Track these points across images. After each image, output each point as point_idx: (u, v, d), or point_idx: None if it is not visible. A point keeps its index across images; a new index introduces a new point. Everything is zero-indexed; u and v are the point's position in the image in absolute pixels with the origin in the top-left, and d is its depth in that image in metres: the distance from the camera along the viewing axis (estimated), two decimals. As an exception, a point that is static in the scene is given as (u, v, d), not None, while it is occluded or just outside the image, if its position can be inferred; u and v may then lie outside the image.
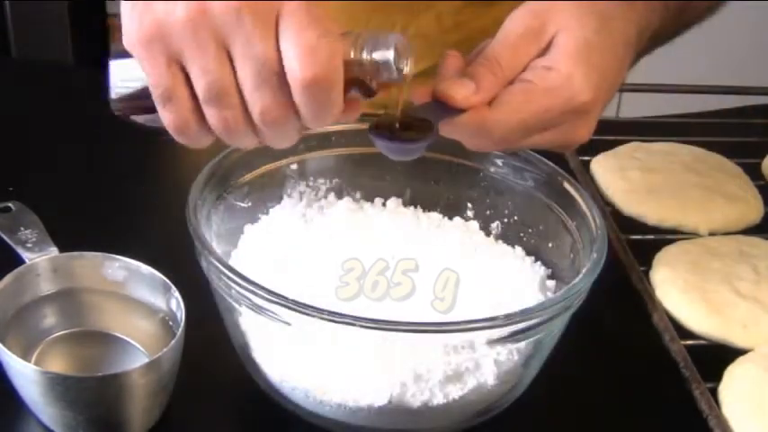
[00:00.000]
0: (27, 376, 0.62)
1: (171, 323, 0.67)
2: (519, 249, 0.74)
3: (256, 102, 0.59)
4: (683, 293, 0.76)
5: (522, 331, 0.61)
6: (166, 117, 0.61)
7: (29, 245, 0.72)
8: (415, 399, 0.63)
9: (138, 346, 0.68)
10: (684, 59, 2.09)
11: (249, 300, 0.61)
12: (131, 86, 0.63)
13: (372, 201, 0.77)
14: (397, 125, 0.66)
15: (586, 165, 0.92)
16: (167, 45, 0.59)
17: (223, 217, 0.71)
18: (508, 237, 0.76)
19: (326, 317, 0.59)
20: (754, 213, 0.88)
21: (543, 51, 0.66)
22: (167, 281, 0.67)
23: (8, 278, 0.67)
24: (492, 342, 0.61)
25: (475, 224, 0.76)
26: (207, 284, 0.65)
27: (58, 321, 0.69)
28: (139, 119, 0.65)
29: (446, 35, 1.02)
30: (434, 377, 0.62)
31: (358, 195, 0.77)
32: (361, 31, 0.63)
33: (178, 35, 0.58)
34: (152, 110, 0.62)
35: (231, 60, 0.58)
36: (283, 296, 0.60)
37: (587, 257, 0.66)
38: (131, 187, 0.90)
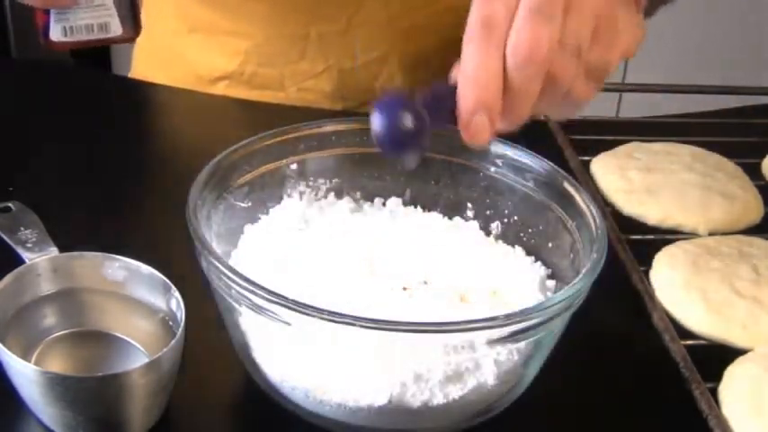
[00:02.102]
0: (27, 376, 0.62)
1: (171, 323, 0.67)
2: (519, 249, 0.74)
3: None
4: (683, 293, 0.76)
5: (522, 331, 0.61)
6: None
7: (29, 245, 0.72)
8: (415, 399, 0.63)
9: (138, 346, 0.68)
10: (684, 59, 2.09)
11: (249, 300, 0.61)
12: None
13: (372, 201, 0.77)
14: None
15: (586, 165, 0.92)
16: None
17: (223, 217, 0.71)
18: (508, 237, 0.76)
19: (326, 317, 0.59)
20: (754, 213, 0.88)
21: None
22: (167, 281, 0.67)
23: (8, 278, 0.67)
24: (492, 342, 0.61)
25: (475, 224, 0.76)
26: (207, 284, 0.65)
27: (58, 321, 0.69)
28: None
29: (395, 21, 1.01)
30: (434, 377, 0.62)
31: (358, 195, 0.77)
32: None
33: None
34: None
35: None
36: (283, 296, 0.60)
37: (587, 257, 0.66)
38: (131, 187, 0.90)
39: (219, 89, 1.05)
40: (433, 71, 1.04)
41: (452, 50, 1.05)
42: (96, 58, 2.10)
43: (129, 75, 1.15)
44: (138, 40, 1.15)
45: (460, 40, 1.04)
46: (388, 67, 1.03)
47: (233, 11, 1.02)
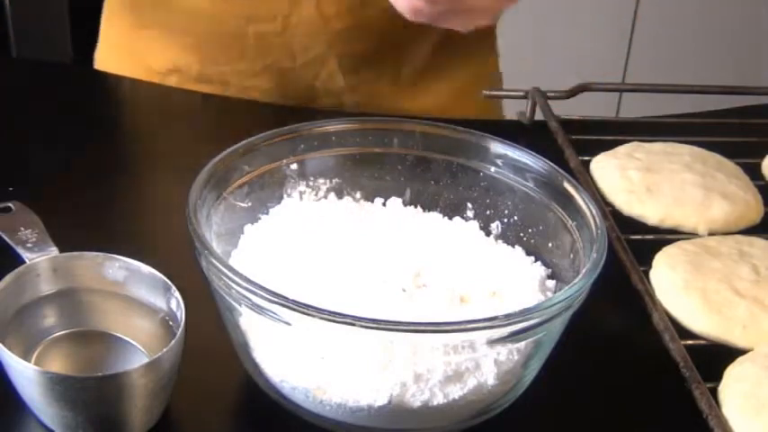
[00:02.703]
0: (27, 376, 0.62)
1: (171, 323, 0.67)
2: (519, 249, 0.74)
3: None
4: (683, 293, 0.76)
5: (522, 331, 0.61)
6: None
7: (29, 245, 0.72)
8: (415, 399, 0.63)
9: (138, 346, 0.68)
10: (684, 59, 2.09)
11: (249, 300, 0.61)
12: None
13: (372, 201, 0.77)
14: None
15: (586, 165, 0.92)
16: None
17: (223, 217, 0.71)
18: (508, 237, 0.76)
19: (326, 317, 0.59)
20: (754, 213, 0.88)
21: None
22: (167, 281, 0.67)
23: (8, 278, 0.67)
24: (492, 342, 0.61)
25: (475, 224, 0.76)
26: (207, 284, 0.65)
27: (57, 321, 0.69)
28: None
29: (331, 23, 1.03)
30: (434, 377, 0.62)
31: (358, 195, 0.77)
32: None
33: None
34: None
35: None
36: (283, 296, 0.60)
37: (587, 257, 0.66)
38: (131, 187, 0.90)
39: (170, 83, 1.07)
40: (375, 72, 1.05)
41: (392, 52, 1.07)
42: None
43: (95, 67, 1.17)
44: (101, 33, 1.16)
45: (400, 42, 1.06)
46: (328, 68, 1.05)
47: (177, 9, 1.04)
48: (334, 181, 0.77)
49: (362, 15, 1.03)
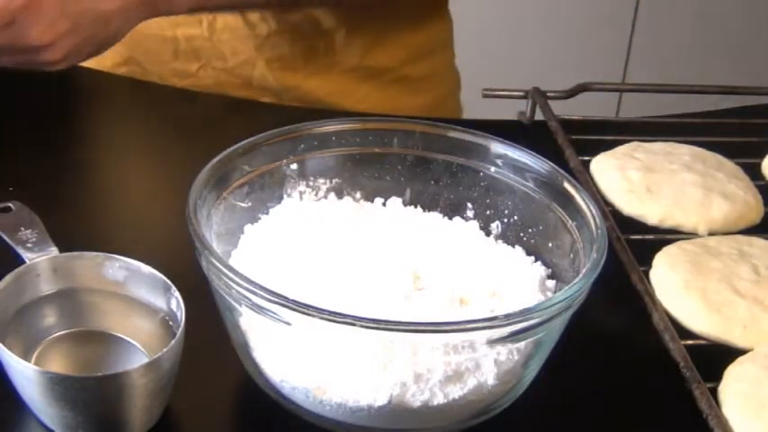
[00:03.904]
0: (27, 376, 0.62)
1: (171, 323, 0.67)
2: (519, 249, 0.74)
3: None
4: (683, 293, 0.76)
5: (522, 331, 0.61)
6: None
7: (29, 245, 0.72)
8: (415, 399, 0.63)
9: (138, 346, 0.68)
10: (684, 59, 2.09)
11: (249, 300, 0.61)
12: None
13: (372, 201, 0.77)
14: None
15: (586, 165, 0.92)
16: None
17: (223, 217, 0.71)
18: (508, 237, 0.76)
19: (326, 317, 0.59)
20: (754, 213, 0.88)
21: None
22: (167, 281, 0.67)
23: (8, 278, 0.67)
24: (492, 342, 0.61)
25: (475, 224, 0.76)
26: (207, 284, 0.65)
27: (57, 321, 0.69)
28: None
29: (255, 28, 1.05)
30: (434, 377, 0.62)
31: (358, 195, 0.77)
32: None
33: None
34: None
35: None
36: (283, 296, 0.60)
37: (587, 257, 0.66)
38: (132, 187, 0.90)
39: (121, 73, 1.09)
40: (305, 73, 1.06)
41: (321, 55, 1.08)
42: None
43: None
44: None
45: (324, 47, 1.07)
46: (258, 69, 1.07)
47: None
48: (334, 181, 0.77)
49: (287, 20, 1.04)
